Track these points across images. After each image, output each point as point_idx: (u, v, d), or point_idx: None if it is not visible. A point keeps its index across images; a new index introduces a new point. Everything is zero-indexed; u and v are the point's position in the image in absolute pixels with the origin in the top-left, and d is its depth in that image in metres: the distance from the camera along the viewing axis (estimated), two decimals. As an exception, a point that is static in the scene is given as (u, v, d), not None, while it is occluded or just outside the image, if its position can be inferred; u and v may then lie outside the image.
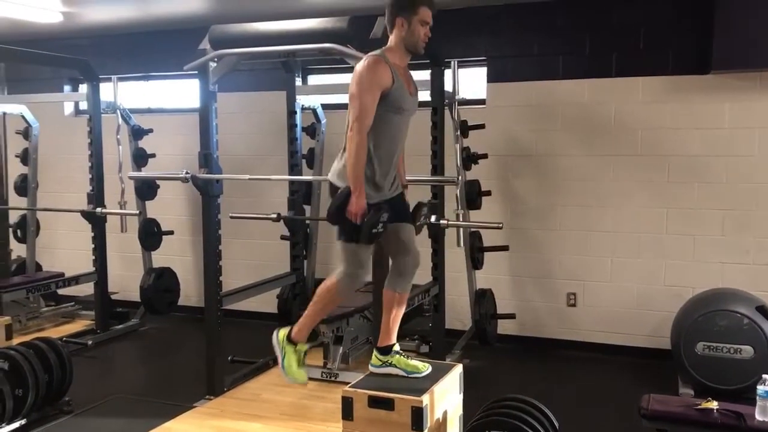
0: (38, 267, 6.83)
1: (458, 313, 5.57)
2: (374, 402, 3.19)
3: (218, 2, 5.48)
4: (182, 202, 6.63)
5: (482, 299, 5.19)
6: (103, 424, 4.12)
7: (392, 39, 3.23)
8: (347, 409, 3.24)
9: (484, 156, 5.23)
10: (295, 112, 5.30)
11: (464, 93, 5.57)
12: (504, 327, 5.55)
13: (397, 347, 3.45)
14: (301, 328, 3.42)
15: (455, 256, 5.25)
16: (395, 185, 3.35)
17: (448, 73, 4.90)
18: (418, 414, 3.10)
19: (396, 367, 3.41)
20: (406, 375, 3.39)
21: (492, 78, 5.68)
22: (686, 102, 5.14)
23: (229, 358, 4.99)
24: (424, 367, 3.41)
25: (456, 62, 4.94)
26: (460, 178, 4.98)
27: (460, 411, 3.60)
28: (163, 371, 5.34)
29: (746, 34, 4.71)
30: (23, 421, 4.05)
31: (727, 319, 4.45)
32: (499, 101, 5.65)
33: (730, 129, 5.04)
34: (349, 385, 3.35)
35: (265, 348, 4.86)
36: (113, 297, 6.37)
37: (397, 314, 3.43)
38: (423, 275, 5.06)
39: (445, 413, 3.37)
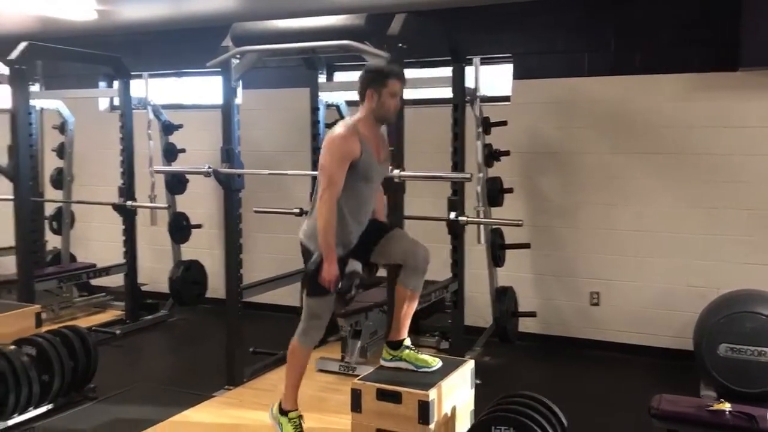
0: (73, 258, 7.03)
1: (480, 310, 5.56)
2: (382, 395, 3.24)
3: (248, 0, 5.55)
4: (211, 197, 6.73)
5: (503, 297, 5.18)
6: (125, 411, 4.24)
7: (363, 109, 3.35)
8: (356, 401, 3.31)
9: (507, 153, 5.22)
10: (318, 109, 5.35)
11: (490, 90, 5.59)
12: (526, 325, 5.53)
13: (407, 342, 3.50)
14: (286, 396, 3.61)
15: (478, 254, 5.26)
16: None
17: (471, 70, 4.92)
18: (424, 408, 3.14)
19: (406, 361, 3.46)
20: (415, 369, 3.44)
21: (517, 75, 5.65)
22: (713, 100, 5.05)
23: (251, 349, 5.10)
24: (434, 362, 3.45)
25: (478, 59, 4.95)
26: (480, 174, 5.00)
27: (471, 406, 3.63)
28: (187, 361, 5.47)
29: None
30: (50, 406, 4.19)
31: (751, 320, 4.36)
32: (524, 98, 5.62)
33: (759, 127, 4.94)
34: (359, 377, 3.41)
35: (283, 340, 4.95)
36: (144, 288, 6.53)
37: (408, 311, 3.48)
38: (443, 271, 5.09)
39: (454, 408, 3.40)
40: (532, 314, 5.35)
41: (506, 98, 5.71)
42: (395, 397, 3.21)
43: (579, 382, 4.90)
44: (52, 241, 7.10)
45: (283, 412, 3.59)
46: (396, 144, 3.92)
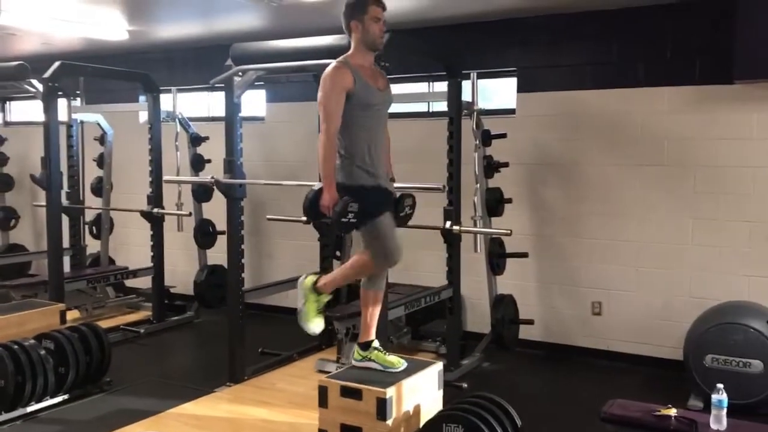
0: (111, 261, 7.49)
1: (483, 317, 5.69)
2: (345, 392, 3.45)
3: (275, 18, 5.81)
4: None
5: (500, 304, 5.31)
6: (130, 402, 4.59)
7: (352, 43, 3.53)
8: (323, 398, 3.53)
9: (506, 164, 5.36)
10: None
11: (496, 103, 5.74)
12: (529, 333, 5.64)
13: (376, 343, 3.70)
14: (328, 282, 3.67)
15: (481, 261, 5.40)
16: (387, 177, 3.64)
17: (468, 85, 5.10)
18: (381, 404, 3.34)
19: (374, 361, 3.65)
20: (383, 369, 3.63)
21: (522, 88, 5.79)
22: (713, 112, 5.07)
23: (259, 350, 5.39)
24: (399, 363, 3.64)
25: (475, 74, 5.12)
26: (478, 185, 5.15)
27: (439, 406, 3.78)
28: (201, 359, 5.83)
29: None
30: (66, 396, 4.58)
31: (737, 332, 4.40)
32: (528, 111, 5.75)
33: (758, 140, 4.94)
34: (327, 375, 3.63)
35: (294, 342, 5.25)
36: (173, 291, 6.92)
37: (374, 311, 3.69)
38: (439, 278, 5.28)
39: (417, 407, 3.57)
40: (530, 322, 5.45)
41: (511, 111, 5.84)
42: (356, 394, 3.41)
43: (571, 389, 4.99)
44: (94, 245, 7.57)
45: (315, 290, 3.66)
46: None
